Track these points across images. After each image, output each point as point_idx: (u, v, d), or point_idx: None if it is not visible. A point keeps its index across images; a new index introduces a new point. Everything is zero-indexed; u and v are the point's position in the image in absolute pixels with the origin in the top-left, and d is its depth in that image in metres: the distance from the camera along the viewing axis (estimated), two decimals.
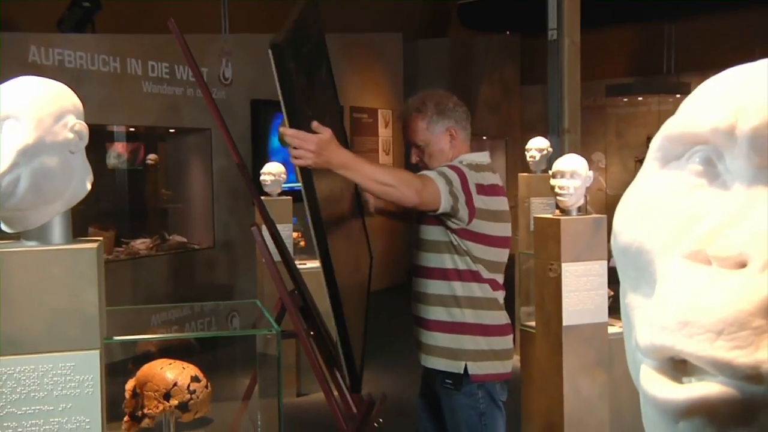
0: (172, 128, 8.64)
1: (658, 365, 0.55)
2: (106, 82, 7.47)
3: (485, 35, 13.64)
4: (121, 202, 8.88)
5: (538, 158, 7.10)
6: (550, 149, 7.17)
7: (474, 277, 3.00)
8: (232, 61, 8.74)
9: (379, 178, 2.70)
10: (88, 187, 1.85)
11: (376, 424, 3.31)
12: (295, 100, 2.43)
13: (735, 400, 0.51)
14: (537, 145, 7.14)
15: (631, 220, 0.62)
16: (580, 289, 3.77)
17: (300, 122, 2.47)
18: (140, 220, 9.06)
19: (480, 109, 13.34)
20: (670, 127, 0.61)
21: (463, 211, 2.89)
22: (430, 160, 3.09)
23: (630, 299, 0.61)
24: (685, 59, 12.11)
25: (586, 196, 3.94)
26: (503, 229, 3.05)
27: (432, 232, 3.03)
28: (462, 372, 3.00)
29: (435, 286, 3.04)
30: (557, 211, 3.94)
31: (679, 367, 0.55)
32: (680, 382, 0.54)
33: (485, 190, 2.97)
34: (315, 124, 2.50)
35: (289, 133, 2.47)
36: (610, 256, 3.93)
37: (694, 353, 0.52)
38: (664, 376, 0.55)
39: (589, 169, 3.88)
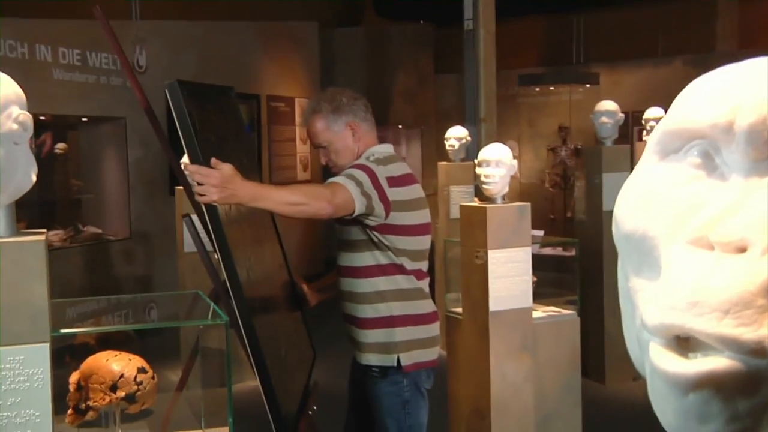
0: (84, 117, 8.43)
1: (665, 343, 0.60)
2: (14, 68, 7.21)
3: (400, 24, 13.73)
4: (31, 193, 8.58)
5: (457, 147, 7.22)
6: (469, 138, 7.30)
7: (398, 269, 3.04)
8: (146, 49, 8.58)
9: (290, 199, 2.74)
10: (33, 179, 1.82)
11: (310, 412, 3.35)
12: (194, 137, 2.46)
13: (740, 373, 0.56)
14: (456, 134, 7.26)
15: (634, 209, 0.67)
16: (506, 276, 3.87)
17: (202, 159, 2.49)
18: (51, 211, 8.82)
19: (395, 98, 13.42)
20: (669, 123, 0.66)
21: (379, 208, 2.93)
22: (338, 158, 3.12)
23: (633, 282, 0.66)
24: (594, 50, 12.44)
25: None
26: (422, 217, 3.10)
27: (351, 232, 3.06)
28: (395, 364, 3.05)
29: (360, 285, 3.07)
30: (476, 199, 4.03)
31: (682, 344, 0.60)
32: (686, 357, 0.60)
33: (397, 181, 3.01)
34: (214, 160, 2.52)
35: (191, 169, 2.48)
36: (533, 243, 4.05)
37: (703, 331, 0.57)
38: (672, 352, 0.60)
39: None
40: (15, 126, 1.75)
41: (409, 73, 13.52)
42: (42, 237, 1.78)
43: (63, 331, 1.92)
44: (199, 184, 2.46)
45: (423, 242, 3.11)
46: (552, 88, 12.46)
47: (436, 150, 11.30)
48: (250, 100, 10.09)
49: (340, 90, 3.22)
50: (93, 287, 7.67)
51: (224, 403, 2.32)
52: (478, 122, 8.16)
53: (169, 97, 2.42)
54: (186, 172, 2.53)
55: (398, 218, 2.99)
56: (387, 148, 3.17)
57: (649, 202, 0.65)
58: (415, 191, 3.10)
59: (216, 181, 2.46)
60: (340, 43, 12.84)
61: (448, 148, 7.29)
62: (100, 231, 8.33)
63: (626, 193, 0.69)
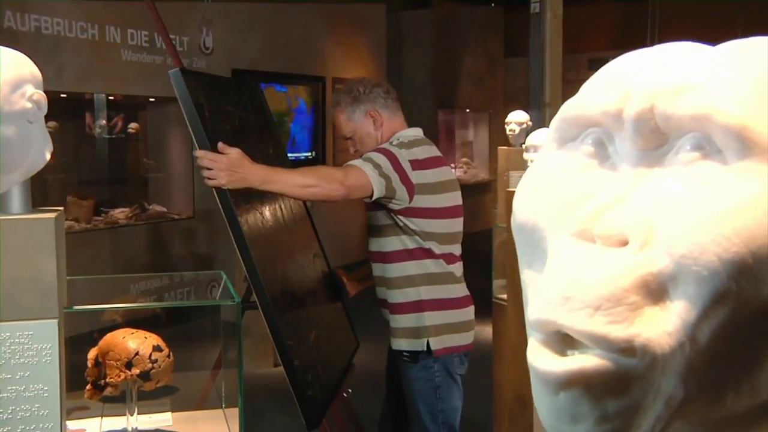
0: (151, 97, 8.59)
1: (545, 338, 0.57)
2: (84, 49, 7.40)
3: (469, 7, 13.59)
4: (101, 171, 8.83)
5: (517, 132, 7.13)
6: (530, 123, 7.19)
7: (427, 254, 3.02)
8: (213, 30, 8.67)
9: (301, 182, 2.75)
10: (47, 157, 1.85)
11: (345, 394, 3.36)
12: (200, 122, 2.47)
13: (610, 372, 0.53)
14: (516, 119, 7.17)
15: (527, 198, 0.63)
16: None
17: (209, 145, 2.50)
18: (120, 189, 9.02)
19: (463, 82, 13.31)
20: (567, 110, 0.63)
21: (401, 191, 2.91)
22: (362, 146, 3.14)
23: (525, 275, 0.63)
24: (669, 35, 12.09)
25: None
26: (451, 199, 3.07)
27: (377, 218, 3.06)
28: (425, 349, 3.04)
29: (389, 270, 3.06)
30: None
31: (566, 340, 0.57)
32: (566, 355, 0.56)
33: (422, 164, 3.00)
34: (221, 145, 2.53)
35: (199, 154, 2.50)
36: None
37: (573, 327, 0.54)
38: (551, 349, 0.57)
39: None
40: (29, 104, 1.77)
41: (478, 56, 13.39)
42: (54, 215, 1.81)
43: (76, 307, 1.96)
44: (209, 168, 2.48)
45: (452, 225, 3.08)
46: None
47: (503, 134, 11.19)
48: (315, 82, 10.13)
49: (359, 80, 3.24)
50: (154, 264, 7.82)
51: (249, 384, 2.33)
52: (542, 107, 8.04)
53: (173, 83, 2.44)
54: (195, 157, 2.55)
55: (424, 201, 2.96)
56: (414, 132, 3.15)
57: (542, 191, 0.62)
58: (443, 174, 3.07)
59: (223, 166, 2.48)
60: (408, 26, 12.77)
61: (508, 132, 7.20)
62: (164, 209, 8.49)
63: (524, 182, 0.66)
